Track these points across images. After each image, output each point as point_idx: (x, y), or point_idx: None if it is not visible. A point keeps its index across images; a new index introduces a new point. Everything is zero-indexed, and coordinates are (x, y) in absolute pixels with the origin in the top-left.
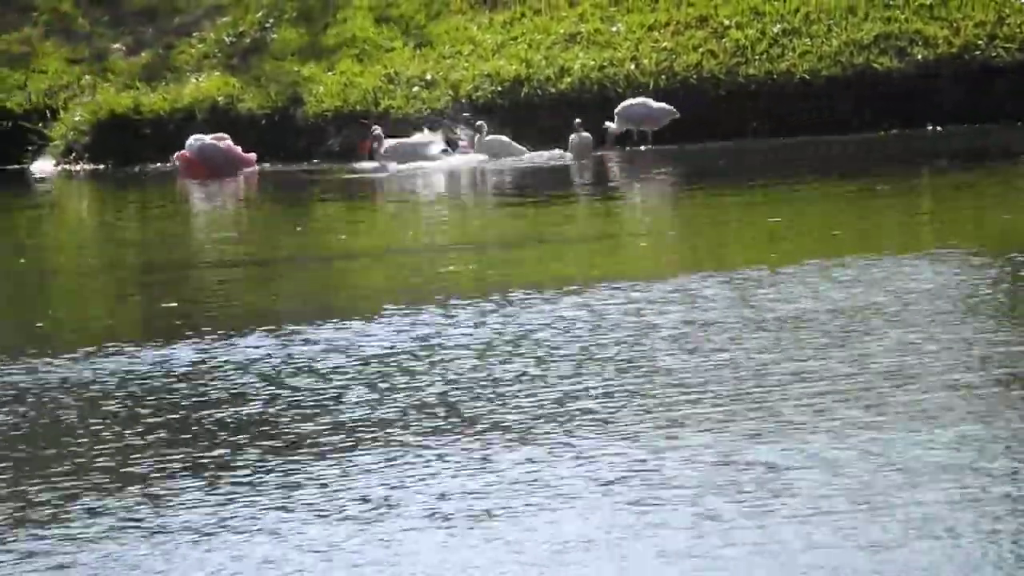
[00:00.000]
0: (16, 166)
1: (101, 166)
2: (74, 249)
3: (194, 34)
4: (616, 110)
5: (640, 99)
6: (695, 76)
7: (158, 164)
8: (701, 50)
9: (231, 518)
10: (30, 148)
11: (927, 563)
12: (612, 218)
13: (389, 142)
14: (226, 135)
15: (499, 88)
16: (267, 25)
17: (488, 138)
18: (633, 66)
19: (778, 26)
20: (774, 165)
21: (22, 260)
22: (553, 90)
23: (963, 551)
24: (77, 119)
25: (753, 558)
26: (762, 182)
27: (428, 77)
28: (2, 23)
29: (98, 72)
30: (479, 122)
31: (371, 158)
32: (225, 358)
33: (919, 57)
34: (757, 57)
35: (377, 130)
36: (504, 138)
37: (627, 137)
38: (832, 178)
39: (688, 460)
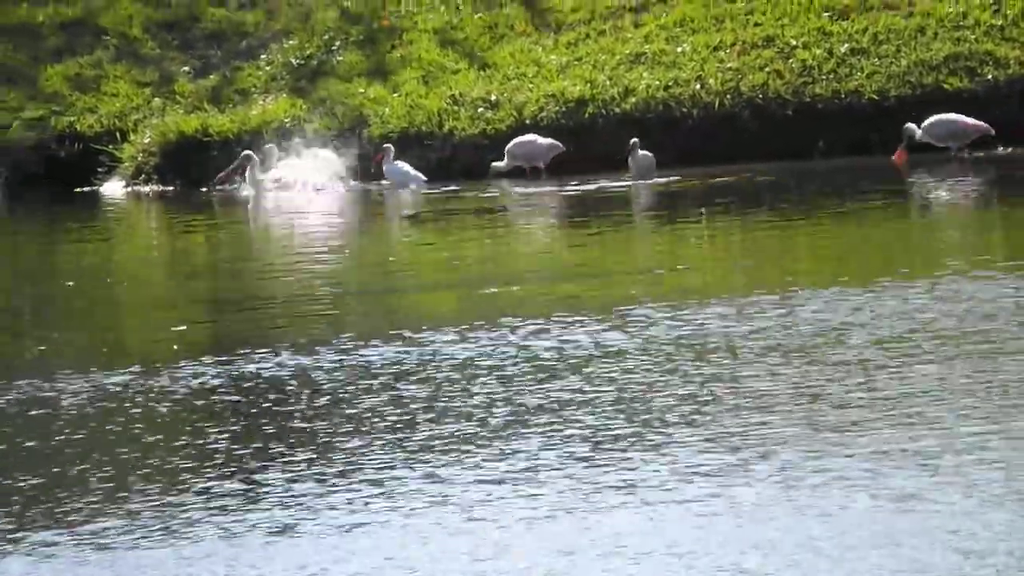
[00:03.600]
0: (87, 188)
1: (170, 187)
2: (124, 273)
3: (261, 57)
4: (507, 147)
5: (527, 136)
6: (761, 96)
7: (226, 186)
8: (767, 70)
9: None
10: (100, 170)
11: None
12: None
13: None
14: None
15: (563, 109)
16: (333, 48)
17: (391, 164)
18: (698, 86)
19: (846, 46)
20: (841, 186)
21: (70, 283)
22: (617, 110)
23: None
24: (147, 141)
25: None
26: (834, 202)
27: (493, 98)
28: (74, 47)
29: (166, 95)
30: (386, 145)
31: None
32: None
33: (989, 77)
34: (824, 77)
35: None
36: (405, 166)
37: (519, 172)
38: (903, 199)
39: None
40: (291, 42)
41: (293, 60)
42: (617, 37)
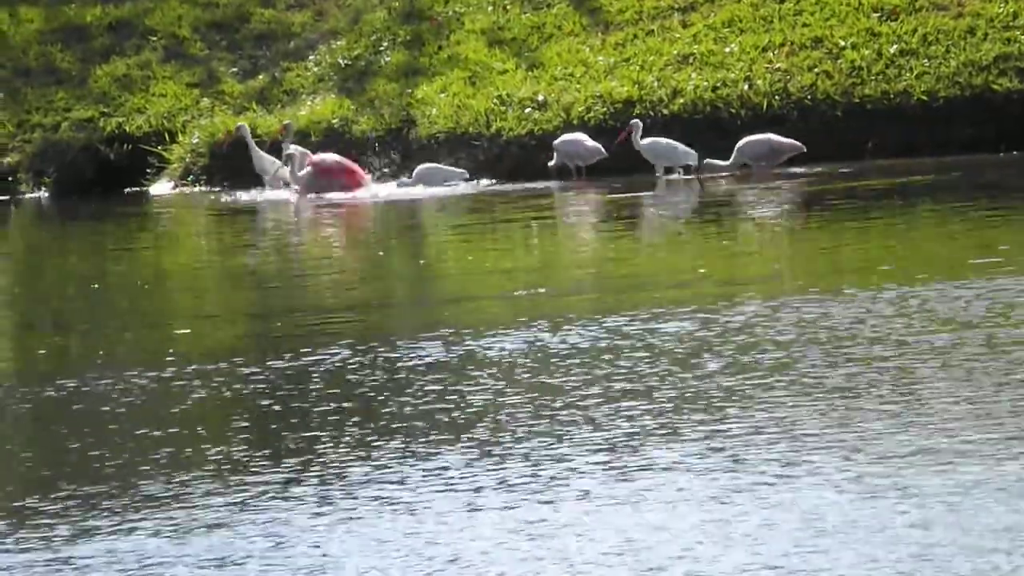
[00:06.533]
0: (136, 188)
1: (217, 188)
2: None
3: (309, 57)
4: (554, 143)
5: (575, 135)
6: (810, 97)
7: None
8: (816, 71)
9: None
10: (149, 171)
11: None
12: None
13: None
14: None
15: (611, 110)
16: (381, 48)
17: (422, 166)
18: (747, 87)
19: (895, 47)
20: (893, 187)
21: (95, 285)
22: (665, 111)
23: None
24: (195, 141)
25: None
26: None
27: (540, 99)
28: (122, 48)
29: (215, 95)
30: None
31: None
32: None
33: None
34: (873, 78)
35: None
36: (439, 165)
37: (564, 170)
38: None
39: None
40: (339, 43)
41: (341, 61)
42: (665, 37)
